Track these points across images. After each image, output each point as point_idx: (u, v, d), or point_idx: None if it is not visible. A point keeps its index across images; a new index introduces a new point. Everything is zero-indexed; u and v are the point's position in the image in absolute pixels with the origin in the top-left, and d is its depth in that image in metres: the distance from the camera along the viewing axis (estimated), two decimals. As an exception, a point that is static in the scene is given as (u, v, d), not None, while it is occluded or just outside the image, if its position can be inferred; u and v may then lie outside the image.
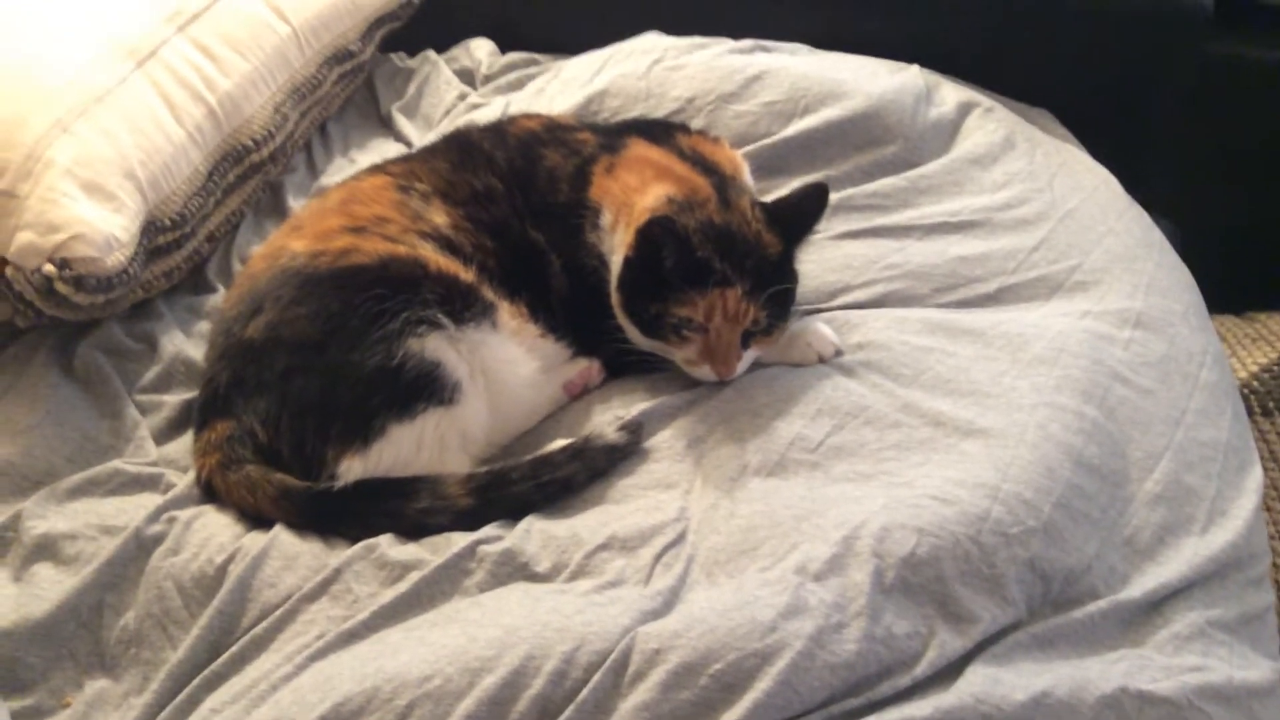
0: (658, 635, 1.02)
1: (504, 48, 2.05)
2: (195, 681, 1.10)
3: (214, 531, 1.22)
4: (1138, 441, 1.30)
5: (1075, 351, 1.36)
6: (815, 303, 1.46)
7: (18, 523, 1.24)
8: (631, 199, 1.36)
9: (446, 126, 1.83)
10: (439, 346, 1.26)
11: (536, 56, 1.98)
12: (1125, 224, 1.60)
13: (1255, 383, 1.87)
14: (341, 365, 1.25)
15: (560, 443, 1.28)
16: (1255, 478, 1.35)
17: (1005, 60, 1.86)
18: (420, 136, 1.84)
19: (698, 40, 1.82)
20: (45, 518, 1.25)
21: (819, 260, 1.50)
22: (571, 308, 1.39)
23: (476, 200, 1.41)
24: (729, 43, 1.82)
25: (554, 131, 1.49)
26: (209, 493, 1.28)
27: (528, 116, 1.56)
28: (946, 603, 1.10)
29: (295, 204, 1.70)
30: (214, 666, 1.11)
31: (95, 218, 1.35)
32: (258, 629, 1.13)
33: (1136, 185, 1.74)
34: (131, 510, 1.25)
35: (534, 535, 1.19)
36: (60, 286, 1.31)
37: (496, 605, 1.10)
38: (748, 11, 1.93)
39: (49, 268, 1.31)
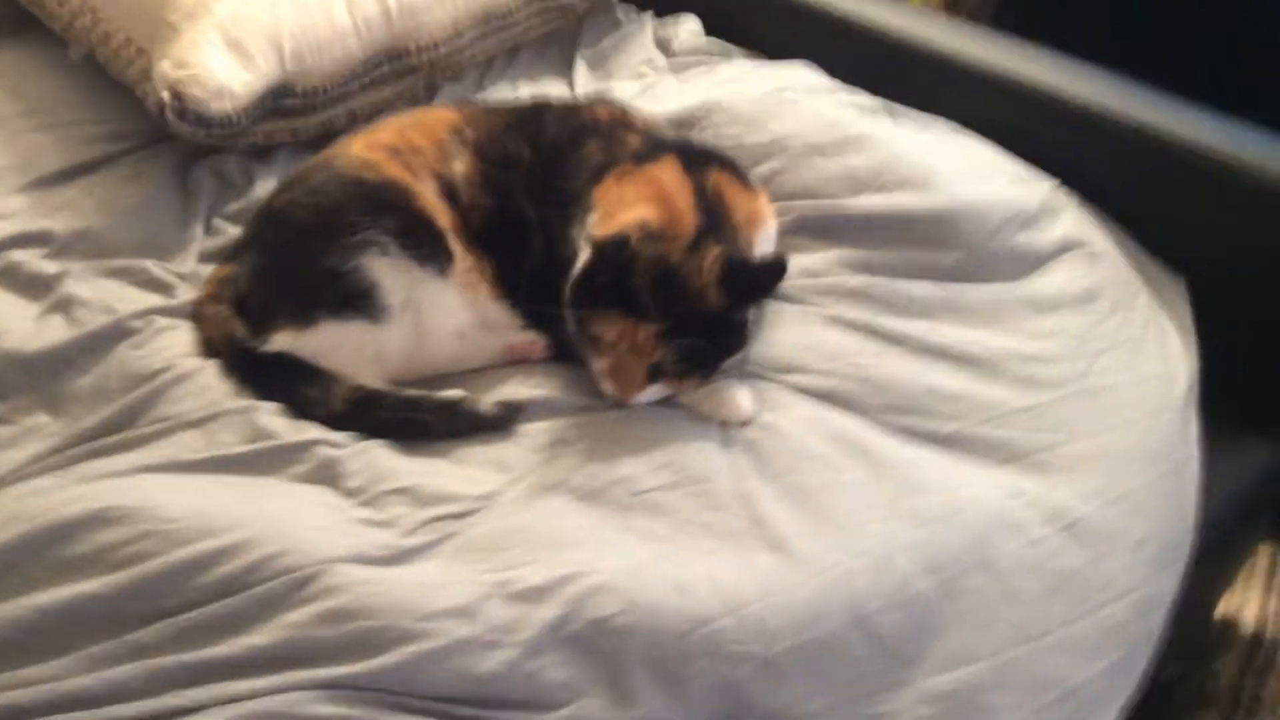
0: (344, 575, 1.15)
1: (726, 31, 2.10)
2: (86, 446, 1.36)
3: (173, 344, 1.48)
4: (959, 636, 1.23)
5: (964, 524, 1.29)
6: (764, 369, 1.45)
7: (64, 277, 1.56)
8: (617, 211, 1.43)
9: (622, 88, 1.93)
10: (382, 271, 1.42)
11: (731, 48, 2.03)
12: (1150, 427, 1.44)
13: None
14: (311, 255, 1.44)
15: (452, 392, 1.42)
16: (1091, 736, 1.24)
17: (1174, 214, 1.67)
18: (586, 86, 1.96)
19: (832, 84, 1.79)
20: (81, 281, 1.56)
21: (795, 332, 1.49)
22: (536, 285, 1.49)
23: (500, 163, 1.53)
24: (862, 97, 1.78)
25: (614, 127, 1.57)
26: (195, 315, 1.53)
27: (605, 104, 1.65)
28: (617, 677, 1.14)
29: (439, 108, 1.90)
30: (101, 442, 1.36)
31: (219, 68, 1.62)
32: (141, 430, 1.37)
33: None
34: (135, 301, 1.53)
35: (364, 456, 1.34)
36: (168, 114, 1.60)
37: (276, 494, 1.28)
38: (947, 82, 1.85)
39: (165, 94, 1.60)
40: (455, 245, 1.48)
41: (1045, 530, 1.32)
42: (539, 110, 1.62)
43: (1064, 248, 1.60)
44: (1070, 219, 1.63)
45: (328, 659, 1.11)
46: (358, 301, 1.43)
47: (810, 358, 1.46)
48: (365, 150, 1.54)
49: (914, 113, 1.77)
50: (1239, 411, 1.54)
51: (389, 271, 1.43)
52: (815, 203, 1.60)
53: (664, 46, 2.08)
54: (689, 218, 1.40)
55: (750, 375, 1.45)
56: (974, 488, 1.34)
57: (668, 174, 1.47)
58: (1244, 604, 2.05)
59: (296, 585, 1.15)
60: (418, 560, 1.22)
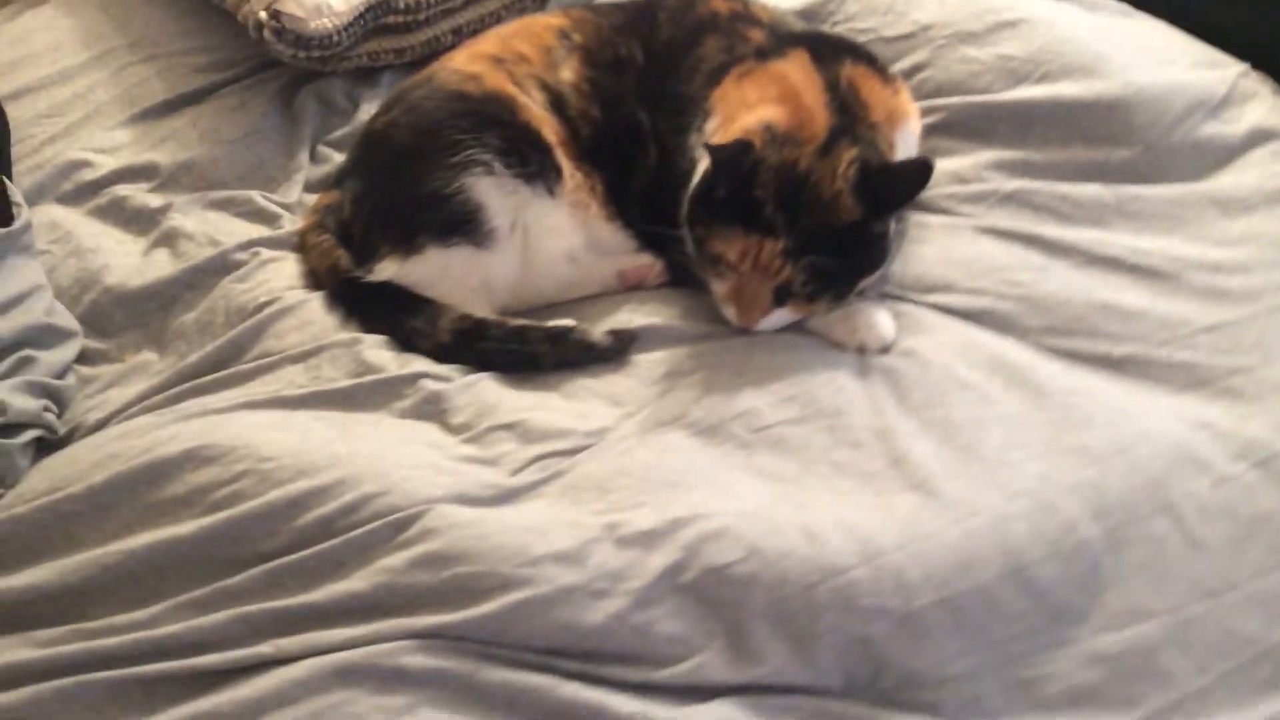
0: (444, 517, 1.07)
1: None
2: (190, 384, 1.31)
3: (277, 276, 1.41)
4: (1131, 590, 1.08)
5: (1138, 461, 1.13)
6: (907, 290, 1.31)
7: (168, 210, 1.52)
8: (738, 114, 1.29)
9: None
10: (487, 190, 1.32)
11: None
12: (1364, 346, 1.23)
13: None
14: (413, 178, 1.35)
15: (562, 321, 1.31)
16: (1284, 705, 1.06)
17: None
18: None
19: None
20: (185, 214, 1.51)
21: (941, 247, 1.33)
22: (650, 202, 1.37)
23: (611, 67, 1.40)
24: None
25: (734, 21, 1.42)
26: (300, 245, 1.46)
27: (731, -4, 1.49)
28: (736, 631, 1.03)
29: (553, 20, 1.78)
30: (205, 380, 1.31)
31: (317, -16, 1.53)
32: (245, 366, 1.31)
33: None
34: (239, 233, 1.48)
35: (471, 390, 1.25)
36: (266, 33, 1.53)
37: (378, 430, 1.20)
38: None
39: (263, 14, 1.53)
40: (564, 161, 1.36)
41: (1236, 467, 1.14)
42: (651, 7, 1.48)
43: (1256, 140, 1.39)
44: (1264, 107, 1.42)
45: (424, 607, 1.03)
46: (463, 226, 1.33)
47: (959, 275, 1.30)
48: (467, 63, 1.44)
49: (1080, -7, 1.56)
50: None
51: (494, 192, 1.33)
52: (965, 99, 1.43)
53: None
54: (820, 118, 1.25)
55: (889, 297, 1.30)
56: (1151, 419, 1.17)
57: (795, 70, 1.31)
58: None
59: (395, 528, 1.08)
60: (523, 500, 1.13)
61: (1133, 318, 1.25)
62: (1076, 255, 1.30)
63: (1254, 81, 1.44)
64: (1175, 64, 1.43)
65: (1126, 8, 1.54)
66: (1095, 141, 1.37)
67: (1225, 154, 1.37)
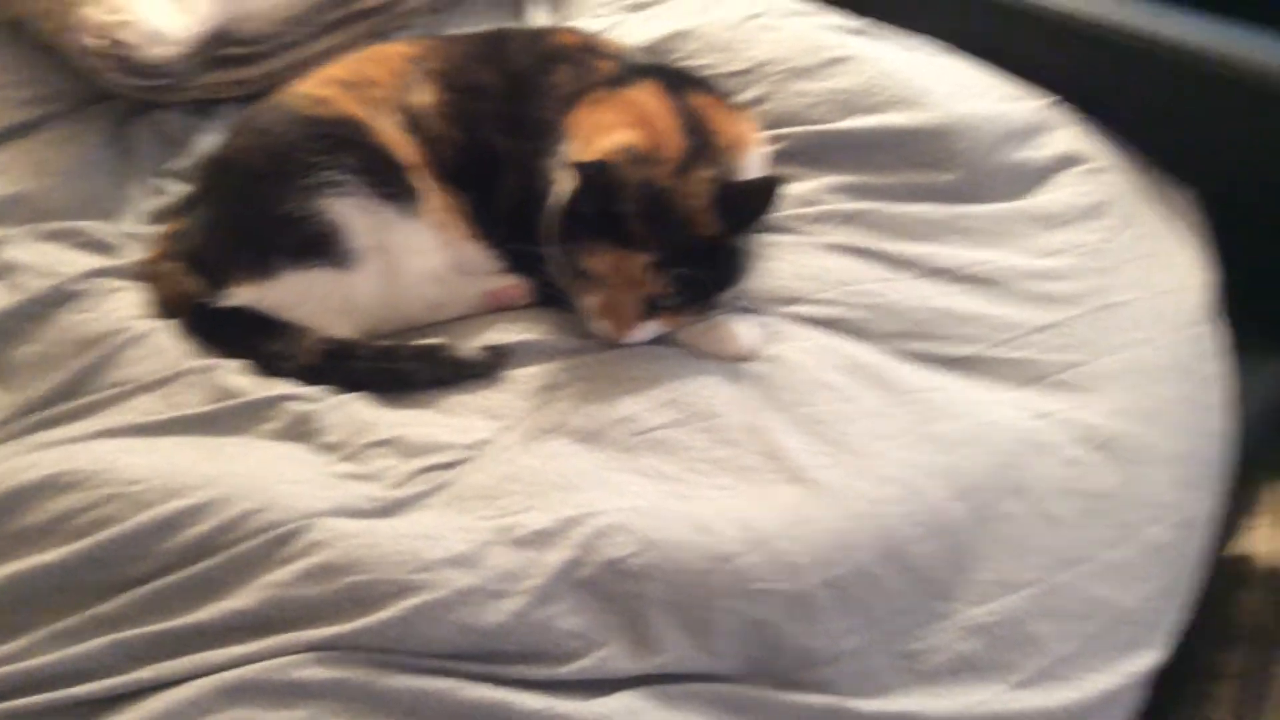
0: (328, 529, 1.05)
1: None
2: (35, 417, 1.24)
3: (123, 306, 1.35)
4: (996, 564, 1.15)
5: (992, 447, 1.21)
6: (765, 303, 1.37)
7: (1, 244, 1.44)
8: (594, 137, 1.33)
9: (584, 25, 1.82)
10: (344, 212, 1.31)
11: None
12: (1173, 341, 1.36)
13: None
14: (265, 202, 1.33)
15: (431, 339, 1.31)
16: (1141, 664, 1.15)
17: (1180, 124, 1.59)
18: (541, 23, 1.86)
19: (810, 7, 1.71)
20: (19, 247, 1.42)
21: (793, 262, 1.40)
22: (512, 224, 1.39)
23: (468, 92, 1.43)
24: (843, 18, 1.69)
25: (584, 52, 1.47)
26: (147, 274, 1.41)
27: (571, 32, 1.55)
28: (636, 622, 1.04)
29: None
30: (51, 411, 1.24)
31: (152, 12, 1.50)
32: (95, 397, 1.25)
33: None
34: (78, 264, 1.40)
35: (343, 410, 1.23)
36: (99, 62, 1.48)
37: (247, 452, 1.16)
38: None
39: (95, 42, 1.48)
40: (423, 182, 1.37)
41: (1077, 450, 1.24)
42: (501, 38, 1.51)
43: (1065, 163, 1.52)
44: (1068, 134, 1.56)
45: (317, 619, 1.00)
46: (320, 247, 1.31)
47: (812, 287, 1.37)
48: (316, 87, 1.43)
49: (899, 33, 1.69)
50: (1269, 326, 1.47)
51: (353, 212, 1.32)
52: (803, 129, 1.51)
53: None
54: (674, 140, 1.30)
55: (749, 310, 1.36)
56: (997, 410, 1.26)
57: (647, 97, 1.37)
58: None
59: (277, 542, 1.04)
60: (410, 511, 1.11)
61: (970, 321, 1.35)
62: (915, 267, 1.39)
63: (1056, 113, 1.59)
64: (988, 96, 1.56)
65: (941, 46, 1.68)
66: (922, 166, 1.48)
67: (1038, 175, 1.51)
